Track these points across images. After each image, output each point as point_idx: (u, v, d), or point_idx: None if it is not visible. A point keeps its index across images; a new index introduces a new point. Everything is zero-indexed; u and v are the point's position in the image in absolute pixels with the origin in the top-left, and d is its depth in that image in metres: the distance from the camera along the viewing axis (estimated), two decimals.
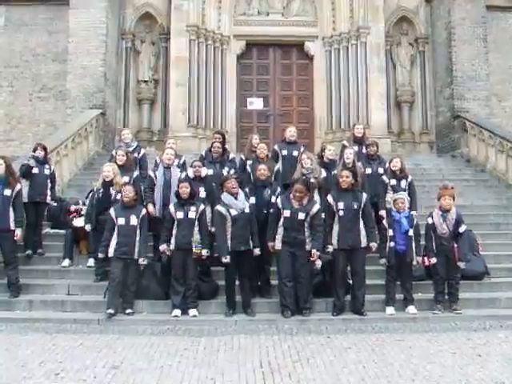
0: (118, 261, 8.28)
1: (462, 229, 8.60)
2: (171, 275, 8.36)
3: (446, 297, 8.56)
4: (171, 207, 8.48)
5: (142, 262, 8.47)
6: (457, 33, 16.69)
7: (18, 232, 8.91)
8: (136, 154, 10.67)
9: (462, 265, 8.52)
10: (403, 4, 17.98)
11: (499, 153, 14.44)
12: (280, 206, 8.27)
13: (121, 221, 8.37)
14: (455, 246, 8.51)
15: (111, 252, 8.32)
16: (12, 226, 8.79)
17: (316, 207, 8.27)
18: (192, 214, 8.35)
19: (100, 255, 8.59)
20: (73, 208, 10.40)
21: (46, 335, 7.60)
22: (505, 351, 6.86)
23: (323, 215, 8.45)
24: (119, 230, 8.35)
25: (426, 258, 8.69)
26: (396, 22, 18.01)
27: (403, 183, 9.82)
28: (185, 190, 8.41)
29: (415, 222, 8.63)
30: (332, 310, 8.36)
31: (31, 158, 10.00)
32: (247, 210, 8.32)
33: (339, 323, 8.07)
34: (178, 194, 8.51)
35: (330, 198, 8.50)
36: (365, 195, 8.56)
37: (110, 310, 8.08)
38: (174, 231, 8.34)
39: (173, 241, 8.33)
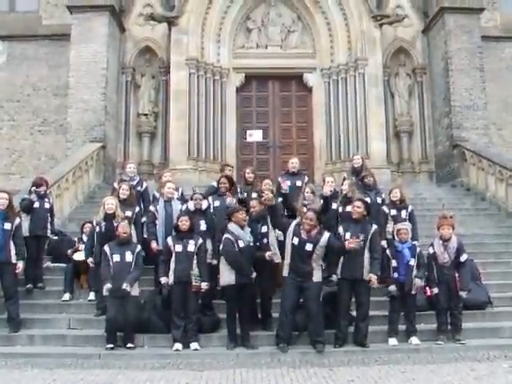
0: (113, 299, 8.24)
1: (463, 258, 8.57)
2: (173, 311, 8.30)
3: (449, 327, 8.50)
4: (169, 240, 8.49)
5: (125, 286, 8.18)
6: (454, 63, 16.83)
7: (20, 265, 8.91)
8: (139, 188, 10.69)
9: (463, 294, 8.48)
10: (400, 35, 18.13)
11: (499, 181, 14.45)
12: (291, 233, 8.22)
13: (116, 257, 8.36)
14: (457, 275, 8.48)
15: (106, 291, 8.26)
16: (13, 259, 8.79)
17: (325, 236, 8.19)
18: (191, 248, 8.34)
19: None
20: (69, 252, 10.34)
21: (47, 370, 7.55)
22: (509, 382, 6.79)
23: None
24: (114, 267, 8.34)
25: (427, 288, 8.67)
26: (393, 52, 18.13)
27: (404, 213, 9.82)
28: (185, 223, 8.43)
29: (418, 250, 8.61)
30: (334, 342, 8.28)
31: (33, 193, 10.03)
32: (252, 244, 8.36)
33: (341, 355, 8.00)
34: (176, 228, 8.53)
35: (340, 228, 8.58)
36: (374, 227, 8.52)
37: (110, 345, 8.08)
38: (173, 265, 8.31)
39: (171, 274, 8.30)
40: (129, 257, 8.41)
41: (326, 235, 8.20)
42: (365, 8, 17.36)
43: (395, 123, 17.93)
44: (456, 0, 17.14)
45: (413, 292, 8.47)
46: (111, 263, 8.36)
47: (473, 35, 17.07)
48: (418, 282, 8.43)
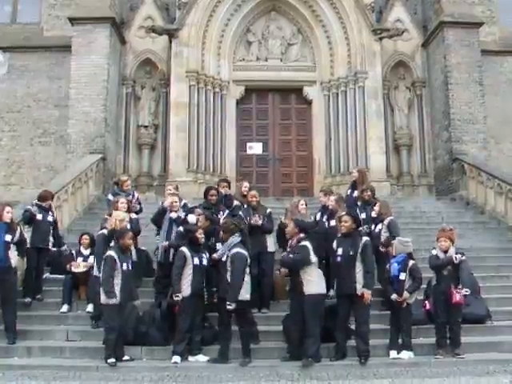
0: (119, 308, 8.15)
1: (458, 258, 8.38)
2: (181, 324, 8.13)
3: (448, 341, 8.45)
4: (186, 252, 8.27)
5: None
6: (453, 77, 16.90)
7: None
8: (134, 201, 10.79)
9: (463, 291, 8.35)
10: (400, 49, 18.23)
11: (498, 195, 14.46)
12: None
13: (124, 266, 8.18)
14: (453, 288, 8.36)
15: (116, 299, 8.03)
16: (13, 263, 8.79)
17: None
18: (205, 261, 8.38)
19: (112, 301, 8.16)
20: (68, 266, 10.35)
21: (44, 383, 7.51)
22: None
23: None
24: (123, 276, 8.11)
25: (426, 302, 8.62)
26: (393, 66, 18.22)
27: (379, 227, 9.72)
28: (203, 235, 8.50)
29: (410, 264, 8.46)
30: (332, 355, 8.22)
31: (34, 205, 10.05)
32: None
33: (340, 369, 7.94)
34: (195, 240, 8.41)
35: (334, 244, 8.54)
36: (365, 239, 8.42)
37: (112, 360, 7.94)
38: (190, 277, 8.15)
39: (188, 287, 8.14)
40: (130, 265, 8.34)
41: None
42: (365, 22, 17.42)
43: (394, 136, 17.97)
44: (455, 15, 17.25)
45: (406, 302, 8.30)
46: (120, 272, 8.11)
47: (472, 49, 17.16)
48: (406, 295, 8.23)
